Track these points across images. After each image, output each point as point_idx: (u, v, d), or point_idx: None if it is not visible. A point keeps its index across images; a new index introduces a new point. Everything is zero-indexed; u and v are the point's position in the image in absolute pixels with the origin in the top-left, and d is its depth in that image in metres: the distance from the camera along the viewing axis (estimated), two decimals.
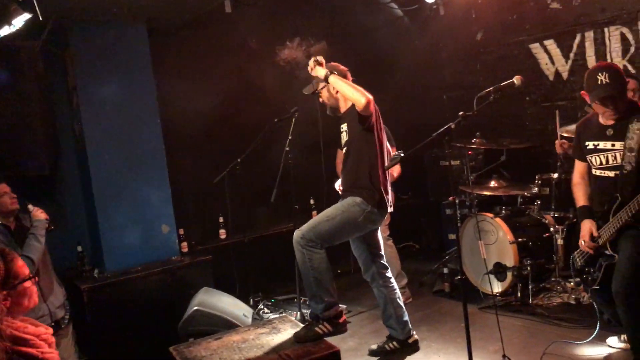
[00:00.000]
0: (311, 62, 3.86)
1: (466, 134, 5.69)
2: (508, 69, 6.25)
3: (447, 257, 5.78)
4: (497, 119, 6.57)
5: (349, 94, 3.66)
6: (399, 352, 4.05)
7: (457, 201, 5.58)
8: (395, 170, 4.95)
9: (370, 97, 3.63)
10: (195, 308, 4.18)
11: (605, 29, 5.50)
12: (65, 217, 5.17)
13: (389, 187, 3.88)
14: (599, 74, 3.16)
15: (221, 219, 5.68)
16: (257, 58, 6.04)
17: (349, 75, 3.94)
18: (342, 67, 3.97)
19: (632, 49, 5.32)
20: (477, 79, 6.65)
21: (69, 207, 5.23)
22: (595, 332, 3.82)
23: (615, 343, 3.80)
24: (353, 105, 3.75)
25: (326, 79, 3.75)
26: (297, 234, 3.66)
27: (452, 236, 5.74)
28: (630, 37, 5.32)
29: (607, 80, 3.13)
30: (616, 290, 3.11)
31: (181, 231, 5.25)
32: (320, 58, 3.83)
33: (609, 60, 5.47)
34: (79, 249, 4.97)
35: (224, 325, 4.09)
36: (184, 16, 5.36)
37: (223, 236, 5.69)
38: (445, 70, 7.22)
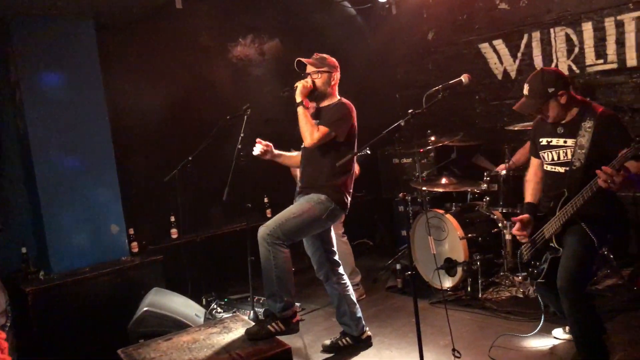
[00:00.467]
0: (302, 83, 3.88)
1: (418, 132, 5.77)
2: (459, 68, 6.33)
3: (400, 253, 5.85)
4: (447, 118, 6.69)
5: (301, 129, 3.76)
6: (352, 348, 4.08)
7: (408, 198, 5.68)
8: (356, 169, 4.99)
9: (320, 137, 3.70)
10: (146, 309, 4.10)
11: (551, 30, 5.67)
12: (8, 218, 4.98)
13: (352, 185, 3.92)
14: (525, 85, 3.34)
15: (173, 218, 5.58)
16: (209, 55, 5.98)
17: (336, 73, 3.98)
18: (332, 60, 4.00)
19: (577, 49, 5.49)
20: (428, 78, 6.74)
21: (13, 206, 5.04)
22: (540, 324, 3.93)
23: (560, 334, 3.92)
24: (330, 105, 3.87)
25: (296, 105, 3.82)
26: (263, 230, 3.63)
27: (405, 233, 5.81)
28: (574, 37, 5.50)
29: (526, 93, 3.32)
30: (561, 285, 3.18)
31: (131, 231, 5.14)
32: (309, 85, 3.87)
33: (554, 60, 5.65)
34: (24, 250, 4.80)
35: (175, 325, 4.03)
36: (133, 11, 5.24)
37: (175, 235, 5.60)
38: (397, 69, 7.30)
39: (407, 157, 6.32)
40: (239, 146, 4.59)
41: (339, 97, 4.00)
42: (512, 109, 5.95)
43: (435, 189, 5.37)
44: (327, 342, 4.14)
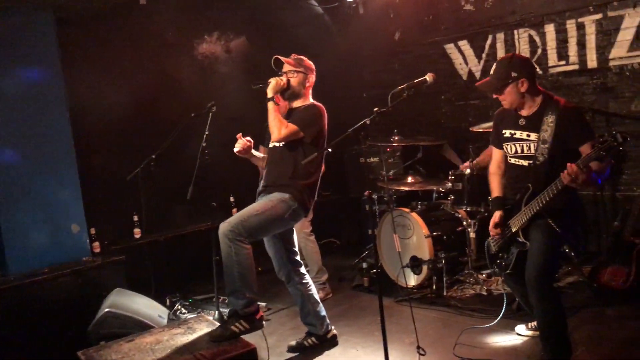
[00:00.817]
0: (277, 80, 3.86)
1: (385, 132, 5.80)
2: (425, 69, 6.25)
3: (366, 252, 5.86)
4: (414, 117, 6.74)
5: (270, 124, 3.77)
6: (318, 348, 4.06)
7: (375, 197, 5.71)
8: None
9: (288, 133, 3.72)
10: (107, 310, 4.01)
11: (515, 31, 5.75)
12: None
13: (317, 188, 3.91)
14: (493, 64, 3.35)
15: (136, 218, 5.47)
16: (175, 51, 5.89)
17: (311, 75, 4.01)
18: (309, 62, 4.03)
19: (539, 51, 5.59)
20: (395, 77, 6.77)
21: None
22: (498, 318, 4.03)
23: (522, 331, 3.97)
24: (302, 106, 3.87)
25: (267, 100, 3.80)
26: (224, 226, 3.58)
27: (372, 231, 5.83)
28: (537, 39, 5.59)
29: (491, 73, 3.31)
30: (528, 279, 3.21)
31: (92, 231, 5.01)
32: (283, 82, 3.87)
33: None
34: None
35: (138, 327, 3.95)
36: (94, 5, 5.13)
37: (138, 235, 5.48)
38: (364, 69, 7.32)
39: (373, 156, 6.34)
40: (204, 144, 4.54)
41: (312, 100, 4.00)
42: (477, 109, 6.11)
43: (402, 188, 5.40)
44: (293, 342, 4.11)
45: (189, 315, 4.83)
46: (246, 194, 5.51)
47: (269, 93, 3.80)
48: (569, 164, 2.94)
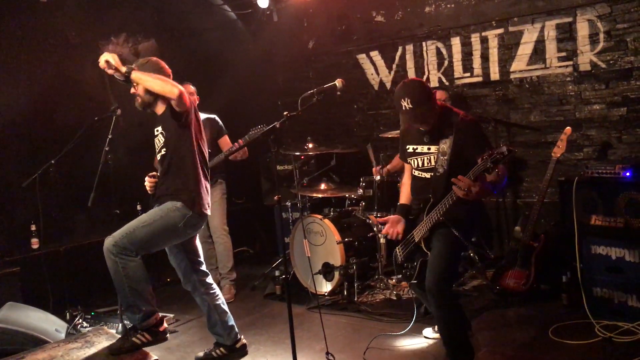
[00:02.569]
0: (102, 63, 3.38)
1: (299, 140, 5.79)
2: (338, 77, 6.45)
3: (279, 260, 5.80)
4: (327, 126, 6.79)
5: (158, 87, 3.36)
6: (227, 358, 3.94)
7: (289, 204, 5.69)
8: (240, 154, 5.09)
9: (182, 89, 3.40)
10: None
11: (423, 43, 5.93)
12: None
13: (209, 188, 3.75)
14: (402, 100, 3.29)
15: (33, 227, 5.13)
16: (78, 52, 5.61)
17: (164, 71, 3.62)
18: (153, 60, 3.65)
19: (446, 63, 5.79)
20: (309, 85, 6.69)
21: None
22: (411, 324, 4.07)
23: (430, 334, 4.06)
24: (169, 106, 3.55)
25: (127, 79, 3.38)
26: (109, 241, 3.38)
27: (287, 239, 5.80)
28: (444, 51, 5.79)
29: (410, 106, 3.27)
30: (429, 287, 3.28)
31: None
32: (111, 59, 3.36)
33: (426, 72, 5.91)
34: None
35: (31, 342, 3.67)
36: None
37: (35, 246, 5.14)
38: (279, 76, 7.30)
39: (287, 163, 6.32)
40: (107, 148, 4.33)
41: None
42: (387, 118, 6.24)
43: (315, 195, 5.42)
44: (200, 354, 3.97)
45: (91, 329, 4.57)
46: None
47: (122, 68, 3.34)
48: (459, 177, 3.04)
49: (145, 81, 3.39)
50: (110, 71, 3.39)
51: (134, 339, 3.33)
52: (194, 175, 3.59)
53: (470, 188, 3.02)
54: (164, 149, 3.62)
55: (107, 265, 3.38)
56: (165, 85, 3.35)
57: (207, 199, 3.68)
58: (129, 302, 3.39)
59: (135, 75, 3.37)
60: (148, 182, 3.73)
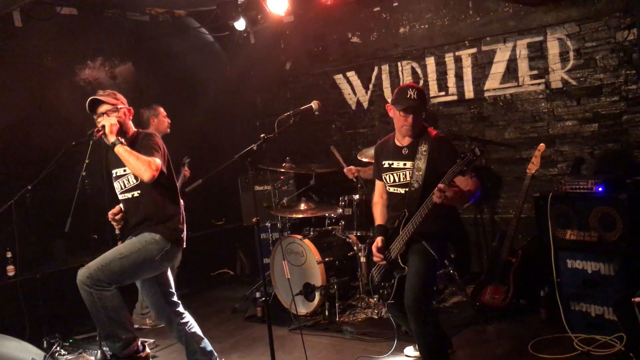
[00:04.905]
0: (109, 121, 3.54)
1: (278, 160, 5.81)
2: (315, 98, 6.36)
3: (260, 281, 5.77)
4: (306, 145, 6.82)
5: (134, 167, 3.44)
6: None
7: (268, 224, 5.68)
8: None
9: (156, 168, 3.43)
10: None
11: (399, 63, 6.03)
12: None
13: (184, 218, 3.75)
14: (409, 90, 3.44)
15: (9, 254, 5.05)
16: (53, 76, 5.59)
17: (127, 107, 3.72)
18: (119, 94, 3.74)
19: (421, 82, 5.88)
20: (287, 106, 6.81)
21: None
22: (394, 344, 4.08)
23: (411, 352, 4.07)
24: (135, 140, 3.60)
25: (114, 146, 3.49)
26: (82, 272, 3.35)
27: (267, 260, 5.78)
28: (419, 71, 5.89)
29: (415, 97, 3.41)
30: (407, 305, 3.31)
31: None
32: (107, 125, 3.51)
33: None
34: None
35: None
36: None
37: (11, 273, 5.04)
38: (256, 97, 7.35)
39: (266, 184, 6.32)
40: (84, 173, 4.29)
41: (136, 130, 3.77)
42: (365, 137, 6.29)
43: (295, 215, 5.42)
44: None
45: (69, 357, 4.51)
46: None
47: (111, 138, 3.47)
48: (439, 184, 3.11)
49: (127, 159, 3.45)
50: (98, 134, 3.51)
51: None
52: (172, 208, 3.58)
53: (445, 193, 3.08)
54: (137, 191, 3.61)
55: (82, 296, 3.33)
56: (141, 168, 3.40)
57: (184, 229, 3.67)
58: (108, 331, 3.36)
59: (118, 150, 3.46)
60: (115, 218, 3.70)
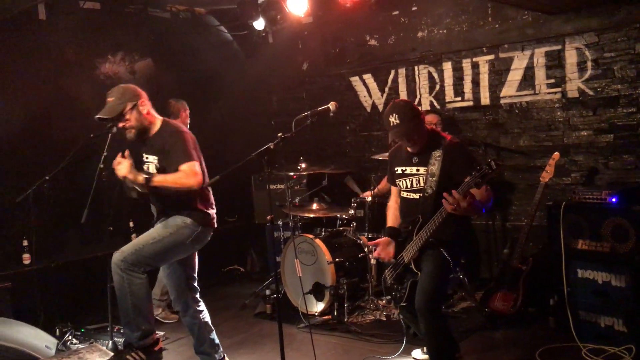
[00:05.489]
0: (125, 163, 3.52)
1: (291, 160, 5.86)
2: (331, 99, 6.41)
3: (270, 279, 5.82)
4: (320, 146, 6.86)
5: (176, 187, 3.49)
6: None
7: (281, 223, 5.72)
8: None
9: (194, 170, 3.48)
10: None
11: (416, 67, 6.04)
12: None
13: (212, 198, 3.82)
14: (390, 116, 3.41)
15: (25, 242, 5.14)
16: (74, 69, 5.67)
17: (142, 99, 3.61)
18: (131, 87, 3.66)
19: (438, 87, 5.89)
20: (302, 106, 6.84)
21: None
22: (403, 346, 4.09)
23: (419, 355, 4.09)
24: (160, 133, 3.61)
25: (148, 183, 3.49)
26: (117, 256, 3.42)
27: (278, 258, 5.82)
28: (436, 75, 5.90)
29: (397, 122, 3.39)
30: (419, 306, 3.34)
31: None
32: (129, 175, 3.49)
33: (418, 96, 6.01)
34: None
35: (20, 358, 3.66)
36: None
37: (27, 261, 5.13)
38: (272, 97, 7.40)
39: (280, 183, 6.37)
40: (101, 165, 4.36)
41: (161, 119, 3.72)
42: (379, 140, 6.32)
43: (307, 215, 5.46)
44: None
45: (80, 346, 4.56)
46: (147, 219, 5.34)
47: (140, 180, 3.47)
48: (452, 191, 3.11)
49: (169, 184, 3.49)
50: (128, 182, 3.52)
51: (128, 356, 3.35)
52: (201, 191, 3.64)
53: (460, 203, 3.08)
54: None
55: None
56: (184, 185, 3.47)
57: (214, 212, 3.75)
58: (130, 318, 3.42)
59: (157, 180, 3.49)
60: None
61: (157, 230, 3.60)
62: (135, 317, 3.43)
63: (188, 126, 5.28)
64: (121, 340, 4.48)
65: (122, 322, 3.50)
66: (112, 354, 3.55)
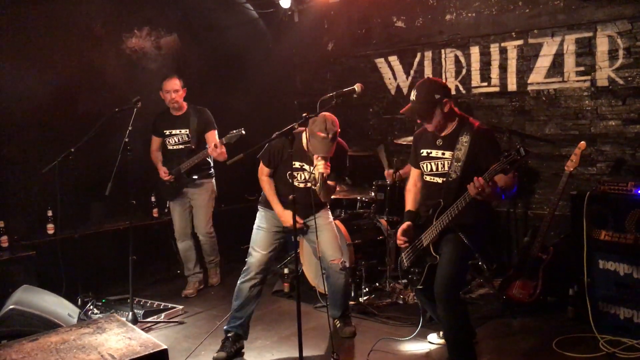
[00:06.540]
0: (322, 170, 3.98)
1: None
2: (355, 81, 6.34)
3: (288, 258, 5.86)
4: (343, 128, 6.77)
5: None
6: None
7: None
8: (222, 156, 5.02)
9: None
10: (11, 307, 3.79)
11: (442, 51, 5.96)
12: None
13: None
14: (413, 91, 3.42)
15: (50, 213, 5.23)
16: (101, 43, 5.71)
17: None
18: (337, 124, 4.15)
19: (464, 71, 5.82)
20: (326, 87, 6.84)
21: None
22: (418, 329, 4.10)
23: (434, 339, 4.10)
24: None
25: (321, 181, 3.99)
26: (441, 291, 3.42)
27: (298, 238, 5.83)
28: (462, 60, 5.82)
29: (413, 98, 3.38)
30: (437, 291, 3.34)
31: (1, 224, 4.76)
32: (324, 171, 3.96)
33: (443, 80, 5.93)
34: None
35: (45, 325, 3.75)
36: None
37: (51, 231, 5.23)
38: (297, 76, 7.37)
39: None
40: (126, 139, 4.42)
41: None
42: (403, 123, 6.28)
43: None
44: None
45: (101, 316, 4.66)
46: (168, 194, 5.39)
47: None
48: (475, 177, 3.08)
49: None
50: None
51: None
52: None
53: (484, 189, 3.06)
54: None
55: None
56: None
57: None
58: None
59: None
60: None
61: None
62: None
63: (170, 103, 5.22)
64: (141, 312, 4.60)
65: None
66: (130, 324, 3.60)
